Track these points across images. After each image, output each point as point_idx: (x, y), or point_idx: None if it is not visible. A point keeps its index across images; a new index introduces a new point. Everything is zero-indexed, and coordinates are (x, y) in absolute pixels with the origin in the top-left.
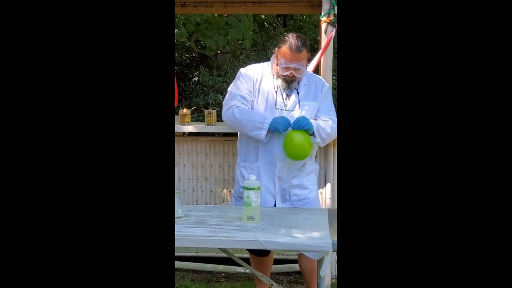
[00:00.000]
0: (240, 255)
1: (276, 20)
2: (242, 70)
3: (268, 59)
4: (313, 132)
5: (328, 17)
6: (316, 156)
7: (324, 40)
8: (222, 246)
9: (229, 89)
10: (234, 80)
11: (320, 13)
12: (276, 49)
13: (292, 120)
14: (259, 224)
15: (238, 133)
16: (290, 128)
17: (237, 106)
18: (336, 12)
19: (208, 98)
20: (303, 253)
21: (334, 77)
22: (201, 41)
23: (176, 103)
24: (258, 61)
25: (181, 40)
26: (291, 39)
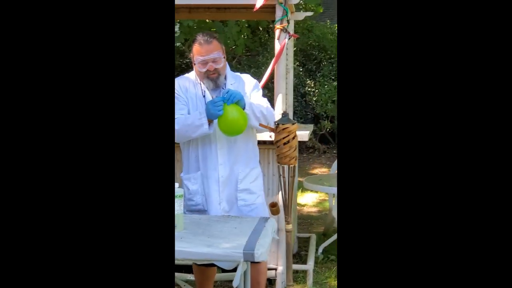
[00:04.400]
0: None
1: (271, 26)
2: None
3: (261, 65)
4: (245, 105)
5: (281, 24)
6: (269, 163)
7: (276, 47)
8: None
9: None
10: None
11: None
12: (191, 54)
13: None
14: (180, 232)
15: (181, 147)
16: (222, 102)
17: (175, 118)
18: (289, 19)
19: None
20: (214, 263)
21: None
22: None
23: None
24: (250, 66)
25: (176, 45)
26: (197, 37)
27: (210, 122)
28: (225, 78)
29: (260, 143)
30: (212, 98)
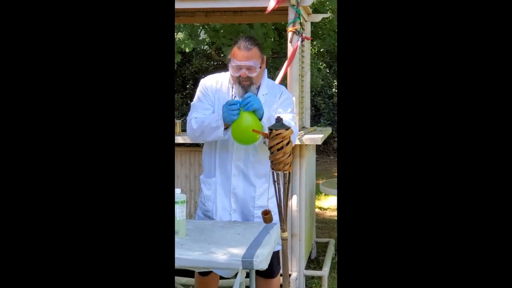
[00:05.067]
0: None
1: None
2: (201, 81)
3: None
4: (262, 114)
5: (293, 26)
6: None
7: (289, 49)
8: None
9: (192, 103)
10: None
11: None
12: (230, 54)
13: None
14: (182, 239)
15: (203, 147)
16: (239, 107)
17: (195, 118)
18: (301, 21)
19: None
20: (213, 270)
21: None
22: (222, 50)
23: None
24: (276, 68)
25: (203, 48)
26: (241, 39)
27: (227, 127)
28: (259, 87)
29: None
30: None
